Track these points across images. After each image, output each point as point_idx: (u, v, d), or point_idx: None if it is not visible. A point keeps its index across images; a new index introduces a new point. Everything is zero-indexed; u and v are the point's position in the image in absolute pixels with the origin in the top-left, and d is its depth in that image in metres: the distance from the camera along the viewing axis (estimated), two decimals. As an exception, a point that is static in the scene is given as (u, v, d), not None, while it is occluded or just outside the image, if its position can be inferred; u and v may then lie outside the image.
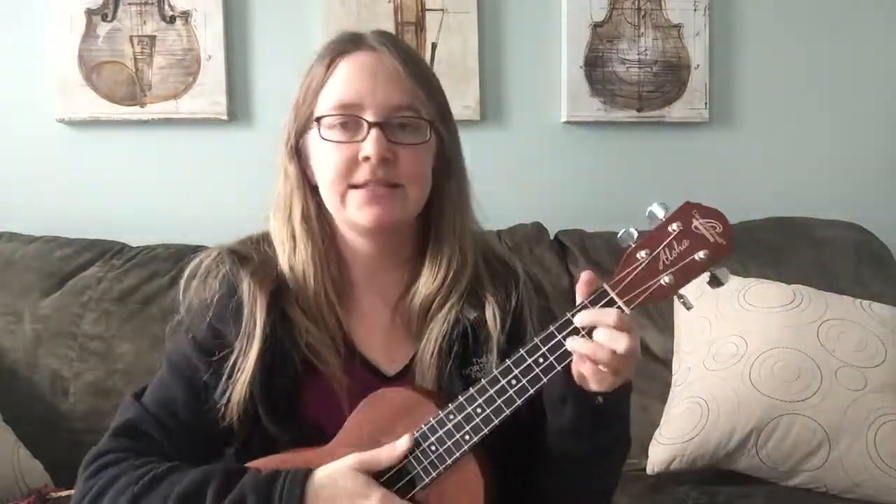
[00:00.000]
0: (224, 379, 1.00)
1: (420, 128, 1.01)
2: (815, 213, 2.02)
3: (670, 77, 2.13)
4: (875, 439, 1.51)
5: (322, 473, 0.92)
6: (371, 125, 0.98)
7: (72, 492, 1.53)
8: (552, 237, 1.97)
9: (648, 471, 1.62)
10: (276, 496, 0.89)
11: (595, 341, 0.86)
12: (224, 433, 1.01)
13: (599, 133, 2.15)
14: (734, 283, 1.74)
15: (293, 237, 1.04)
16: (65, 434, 1.68)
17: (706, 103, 2.14)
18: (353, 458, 0.92)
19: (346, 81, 1.00)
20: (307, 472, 0.91)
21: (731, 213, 2.16)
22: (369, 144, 0.97)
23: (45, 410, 1.69)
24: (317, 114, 1.01)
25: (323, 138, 1.00)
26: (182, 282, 1.07)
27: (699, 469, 1.60)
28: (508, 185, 2.08)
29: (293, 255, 1.04)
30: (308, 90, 1.03)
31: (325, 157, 1.00)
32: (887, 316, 1.68)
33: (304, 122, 1.03)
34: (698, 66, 2.13)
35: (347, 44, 1.03)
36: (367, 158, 0.98)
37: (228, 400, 0.99)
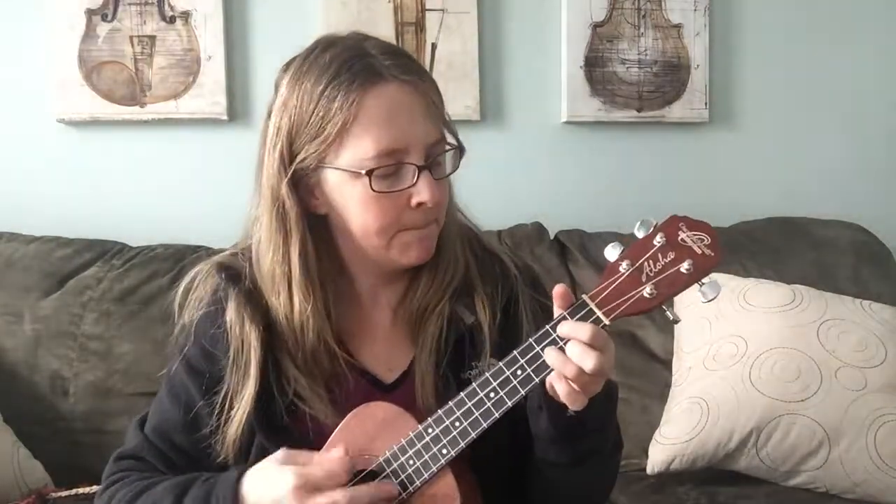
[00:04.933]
0: (217, 414, 0.98)
1: (449, 155, 0.98)
2: (815, 213, 2.02)
3: (670, 77, 2.13)
4: (875, 439, 1.51)
5: (253, 470, 0.92)
6: (419, 169, 0.93)
7: (72, 492, 1.54)
8: (552, 237, 1.97)
9: (648, 471, 1.62)
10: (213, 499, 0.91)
11: (566, 357, 0.83)
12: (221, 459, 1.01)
13: (599, 133, 2.14)
14: (734, 283, 1.74)
15: (288, 283, 0.96)
16: (65, 434, 1.68)
17: (706, 103, 2.14)
18: (281, 453, 0.91)
19: (384, 124, 0.92)
20: (240, 473, 0.92)
21: (731, 213, 2.17)
22: (425, 191, 0.92)
23: (45, 410, 1.69)
24: (351, 159, 0.92)
25: (374, 190, 0.92)
26: (177, 300, 1.04)
27: (699, 469, 1.60)
28: (508, 185, 2.08)
29: (289, 305, 0.96)
30: (322, 123, 0.92)
31: (367, 204, 0.93)
32: (887, 316, 1.68)
33: (318, 158, 0.94)
34: (698, 66, 2.13)
35: (368, 74, 0.93)
36: (420, 204, 0.93)
37: (224, 436, 0.98)
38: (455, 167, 0.99)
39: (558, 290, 0.87)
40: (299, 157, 0.94)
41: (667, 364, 1.79)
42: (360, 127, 0.92)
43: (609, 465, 1.02)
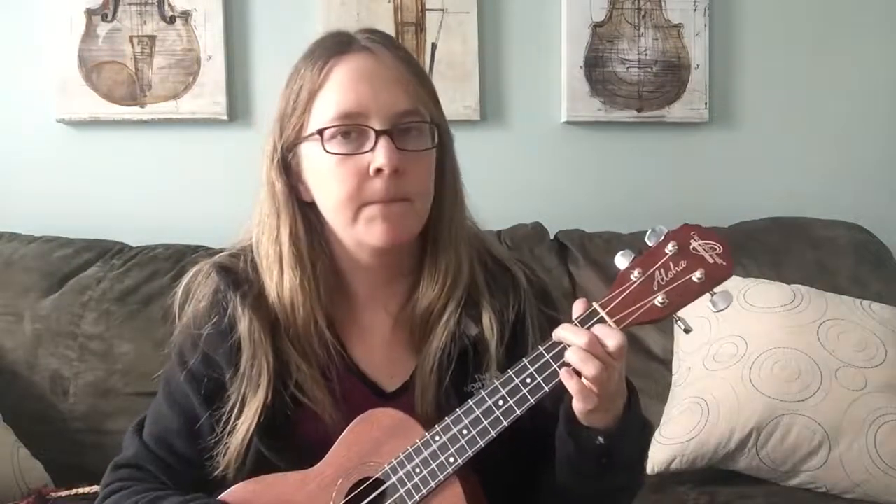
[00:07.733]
0: (221, 426, 0.96)
1: (424, 132, 0.96)
2: (815, 213, 2.02)
3: (670, 77, 2.13)
4: (875, 439, 1.51)
5: None
6: (378, 133, 0.91)
7: (71, 492, 1.54)
8: (552, 237, 1.97)
9: (648, 471, 1.62)
10: None
11: (585, 353, 0.83)
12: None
13: (599, 133, 2.14)
14: (734, 283, 1.73)
15: (280, 261, 0.97)
16: (65, 434, 1.69)
17: (706, 103, 2.14)
18: None
19: (345, 88, 0.93)
20: None
21: (731, 213, 2.16)
22: (381, 155, 0.90)
23: (45, 410, 1.69)
24: (314, 125, 0.94)
25: (327, 151, 0.92)
26: (177, 301, 1.03)
27: (699, 469, 1.60)
28: (508, 185, 2.08)
29: (280, 282, 0.97)
30: (297, 99, 0.95)
31: (330, 172, 0.93)
32: (887, 316, 1.68)
33: (295, 134, 0.96)
34: (698, 66, 2.13)
35: (340, 46, 0.95)
36: (378, 171, 0.91)
37: (227, 447, 0.96)
38: (432, 144, 0.97)
39: (578, 302, 0.88)
40: (283, 136, 0.97)
41: (667, 364, 1.79)
42: (326, 92, 0.94)
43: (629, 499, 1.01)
